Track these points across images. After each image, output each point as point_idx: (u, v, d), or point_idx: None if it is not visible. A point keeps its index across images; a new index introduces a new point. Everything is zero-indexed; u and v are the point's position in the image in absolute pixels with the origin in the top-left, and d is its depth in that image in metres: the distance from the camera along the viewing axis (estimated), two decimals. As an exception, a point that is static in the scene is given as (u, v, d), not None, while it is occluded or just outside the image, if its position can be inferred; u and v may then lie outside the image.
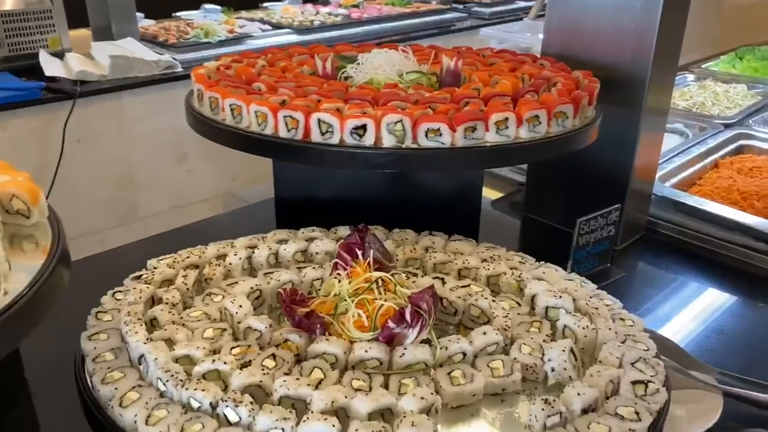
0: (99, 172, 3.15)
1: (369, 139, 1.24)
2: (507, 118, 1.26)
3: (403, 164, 1.27)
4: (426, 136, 1.23)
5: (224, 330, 1.08)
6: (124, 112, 3.12)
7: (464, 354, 1.04)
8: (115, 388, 0.96)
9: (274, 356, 1.02)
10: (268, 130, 1.28)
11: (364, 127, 1.24)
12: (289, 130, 1.26)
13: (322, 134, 1.25)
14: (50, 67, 3.00)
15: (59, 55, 3.16)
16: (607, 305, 1.17)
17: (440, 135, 1.23)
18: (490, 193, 2.02)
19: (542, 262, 1.30)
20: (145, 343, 1.01)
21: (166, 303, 1.14)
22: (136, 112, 3.14)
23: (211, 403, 0.93)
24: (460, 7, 4.85)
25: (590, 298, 1.18)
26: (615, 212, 1.61)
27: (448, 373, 1.01)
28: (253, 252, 1.30)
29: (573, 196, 1.80)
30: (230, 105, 1.33)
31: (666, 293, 1.68)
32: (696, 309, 1.58)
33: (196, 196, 3.56)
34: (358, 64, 1.53)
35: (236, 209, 1.98)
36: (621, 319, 1.14)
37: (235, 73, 1.52)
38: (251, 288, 1.18)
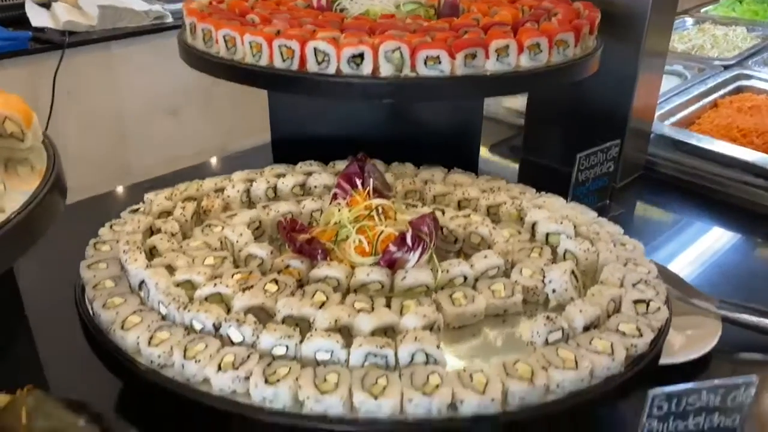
0: (90, 126, 3.10)
1: (366, 68, 1.21)
2: (508, 46, 1.23)
3: (402, 94, 1.25)
4: (425, 64, 1.21)
5: (225, 258, 1.07)
6: (114, 63, 3.06)
7: (465, 277, 1.04)
8: (116, 313, 0.96)
9: (276, 281, 1.01)
10: (263, 61, 1.26)
11: (361, 56, 1.21)
12: (284, 60, 1.24)
13: (318, 64, 1.22)
14: (37, 17, 2.93)
15: (46, 4, 3.09)
16: (608, 231, 1.17)
17: (439, 63, 1.21)
18: (487, 141, 2.00)
19: (542, 192, 1.29)
20: (145, 269, 1.01)
21: (165, 233, 1.13)
22: (126, 63, 3.09)
23: (214, 324, 0.93)
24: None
25: (591, 224, 1.18)
26: (614, 148, 1.60)
27: (450, 295, 1.01)
28: (251, 185, 1.28)
29: (572, 136, 1.79)
30: (224, 36, 1.29)
31: (665, 230, 1.68)
32: (695, 245, 1.59)
33: (190, 150, 3.53)
34: (354, -4, 1.50)
35: (232, 154, 1.96)
36: (622, 244, 1.14)
37: (227, 7, 1.48)
38: (251, 218, 1.17)
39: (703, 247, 1.59)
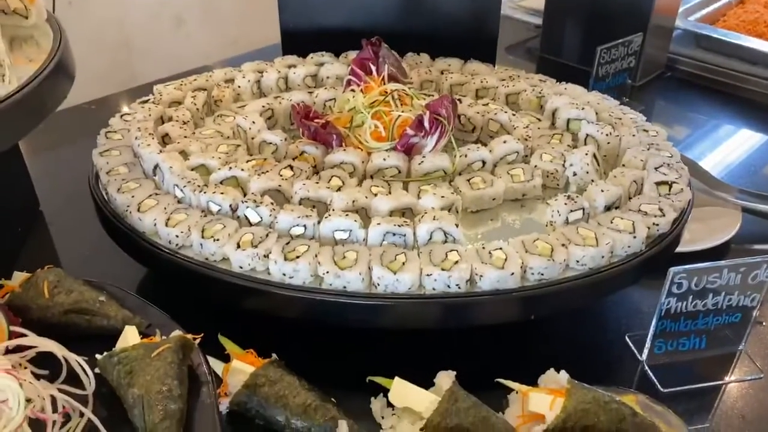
0: (93, 38, 3.01)
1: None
2: None
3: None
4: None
5: (238, 146, 1.05)
6: (114, -32, 2.94)
7: (483, 162, 1.02)
8: (132, 197, 0.95)
9: (291, 167, 1.00)
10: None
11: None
12: (294, -59, 1.17)
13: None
14: None
15: None
16: (631, 118, 1.13)
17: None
18: (503, 43, 1.93)
19: (563, 82, 1.25)
20: (158, 154, 0.99)
21: (177, 120, 1.10)
22: (128, -30, 2.96)
23: (230, 206, 0.92)
24: None
25: (613, 110, 1.14)
26: (636, 40, 1.54)
27: (468, 180, 0.99)
28: (262, 76, 1.25)
29: (591, 33, 1.72)
30: None
31: (685, 129, 1.64)
32: (717, 144, 1.55)
33: (196, 62, 3.45)
34: None
35: (240, 54, 1.91)
36: (644, 130, 1.11)
37: None
38: (263, 106, 1.14)
39: (725, 145, 1.55)
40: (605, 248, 0.86)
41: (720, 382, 0.93)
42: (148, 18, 3.14)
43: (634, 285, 1.06)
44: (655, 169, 1.00)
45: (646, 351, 0.94)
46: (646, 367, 0.94)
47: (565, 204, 0.90)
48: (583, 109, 1.11)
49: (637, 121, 1.13)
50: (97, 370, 0.76)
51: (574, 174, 1.00)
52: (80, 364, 0.75)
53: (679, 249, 1.01)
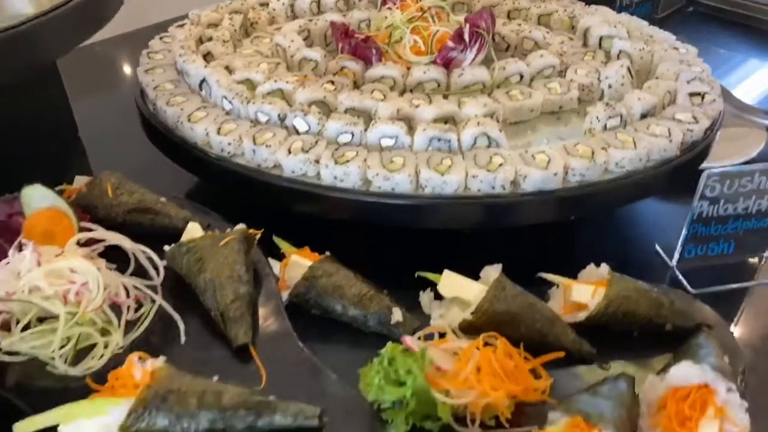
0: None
1: None
2: None
3: None
4: None
5: (278, 64, 1.08)
6: None
7: (521, 76, 1.05)
8: (181, 109, 0.98)
9: (332, 82, 1.02)
10: None
11: None
12: None
13: None
14: None
15: None
16: (662, 37, 1.15)
17: None
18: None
19: (592, 5, 1.26)
20: (205, 68, 1.02)
21: (218, 39, 1.13)
22: None
23: (279, 115, 0.95)
24: None
25: (644, 29, 1.16)
26: (661, -31, 1.55)
27: (507, 92, 1.02)
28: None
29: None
30: None
31: (709, 62, 1.66)
32: (741, 77, 1.56)
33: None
34: None
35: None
36: (675, 48, 1.13)
37: None
38: (300, 26, 1.16)
39: (748, 79, 1.56)
40: (643, 151, 0.89)
41: (747, 284, 0.98)
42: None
43: (665, 199, 1.10)
44: (687, 82, 1.03)
45: (677, 255, 0.98)
46: (677, 272, 0.99)
47: (604, 110, 0.93)
48: (615, 27, 1.13)
49: (668, 40, 1.15)
50: (163, 262, 0.80)
51: (610, 86, 1.03)
52: (149, 255, 0.79)
53: (704, 165, 1.04)
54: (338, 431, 0.64)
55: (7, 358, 0.70)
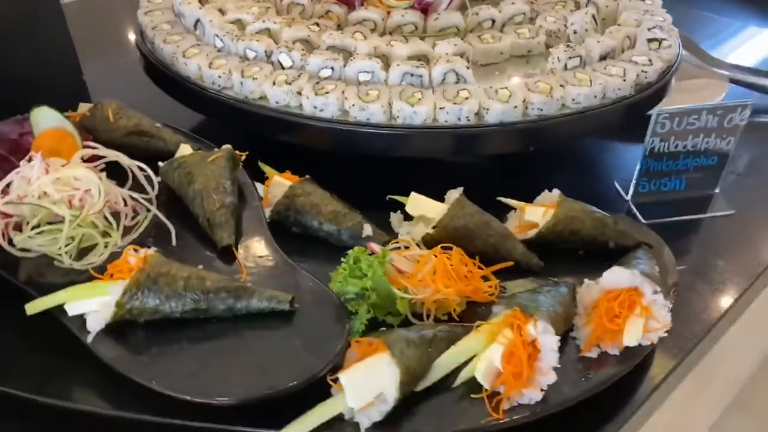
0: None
1: None
2: None
3: None
4: None
5: (268, 8, 1.16)
6: None
7: (493, 21, 1.13)
8: (177, 46, 1.06)
9: (317, 24, 1.10)
10: None
11: None
12: None
13: None
14: None
15: None
16: (629, -12, 1.22)
17: None
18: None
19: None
20: (199, 9, 1.10)
21: (212, -16, 1.20)
22: None
23: (265, 51, 1.03)
24: None
25: (614, -19, 1.23)
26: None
27: (479, 36, 1.10)
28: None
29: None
30: None
31: (699, 29, 1.70)
32: (734, 46, 1.60)
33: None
34: None
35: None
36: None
37: None
38: (289, -26, 1.23)
39: (743, 47, 1.60)
40: (598, 89, 0.97)
41: (694, 216, 1.07)
42: None
43: (627, 141, 1.19)
44: (649, 29, 1.10)
45: (632, 189, 1.07)
46: (631, 205, 1.07)
47: (565, 51, 1.01)
48: (585, -23, 1.20)
49: (635, -9, 1.22)
50: (157, 178, 0.89)
51: (575, 32, 1.10)
52: (145, 171, 0.88)
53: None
54: (308, 317, 0.74)
55: (19, 254, 0.80)
